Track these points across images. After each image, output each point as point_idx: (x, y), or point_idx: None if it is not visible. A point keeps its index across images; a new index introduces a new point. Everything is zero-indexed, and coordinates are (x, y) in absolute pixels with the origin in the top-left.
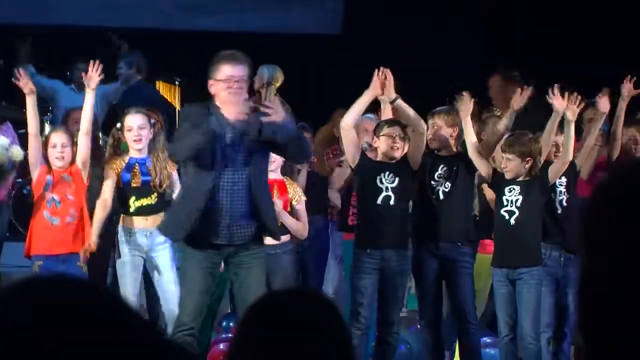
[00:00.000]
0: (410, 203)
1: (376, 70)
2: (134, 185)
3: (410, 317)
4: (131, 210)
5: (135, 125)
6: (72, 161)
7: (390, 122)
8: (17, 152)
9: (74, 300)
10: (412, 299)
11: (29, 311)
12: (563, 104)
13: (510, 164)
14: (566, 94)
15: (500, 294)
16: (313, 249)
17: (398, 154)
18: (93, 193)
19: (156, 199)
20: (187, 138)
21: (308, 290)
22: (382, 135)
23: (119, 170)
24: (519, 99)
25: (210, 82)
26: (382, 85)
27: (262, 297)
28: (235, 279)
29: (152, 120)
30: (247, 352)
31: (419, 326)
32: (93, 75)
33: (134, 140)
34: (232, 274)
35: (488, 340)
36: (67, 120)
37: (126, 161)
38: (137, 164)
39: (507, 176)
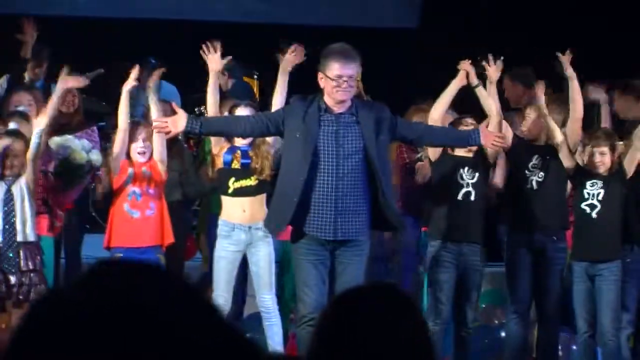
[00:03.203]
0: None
1: (461, 62)
2: (234, 167)
3: (492, 311)
4: (229, 191)
5: None
6: (152, 155)
7: (461, 118)
8: (96, 158)
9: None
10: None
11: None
12: None
13: (605, 158)
14: None
15: (579, 290)
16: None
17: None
18: (168, 186)
19: (256, 181)
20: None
21: (387, 285)
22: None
23: (221, 152)
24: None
25: (320, 75)
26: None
27: (344, 291)
28: (335, 273)
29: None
30: (326, 345)
31: (505, 320)
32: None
33: None
34: (334, 266)
35: (567, 336)
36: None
37: (229, 146)
38: (239, 150)
39: (601, 170)
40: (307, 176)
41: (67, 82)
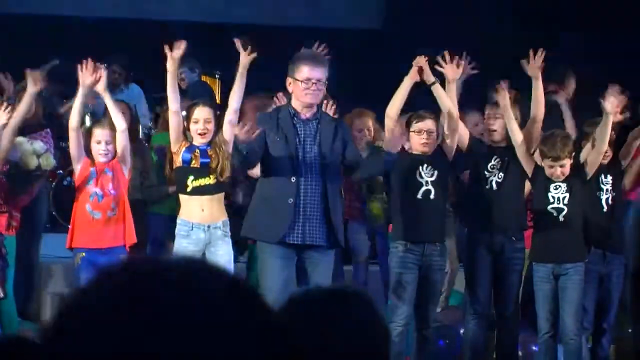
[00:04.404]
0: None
1: (416, 58)
2: (193, 165)
3: (452, 311)
4: (188, 189)
5: (202, 118)
6: (114, 156)
7: (419, 117)
8: (48, 162)
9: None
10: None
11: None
12: (614, 107)
13: (566, 169)
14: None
15: (542, 291)
16: None
17: (428, 149)
18: (129, 186)
19: (215, 179)
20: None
21: (347, 287)
22: (412, 131)
23: (180, 151)
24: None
25: (289, 80)
26: (420, 70)
27: (301, 292)
28: (305, 275)
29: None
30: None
31: (465, 321)
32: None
33: (199, 134)
34: (300, 268)
35: (527, 336)
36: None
37: (188, 145)
38: (198, 150)
39: (562, 178)
40: (298, 174)
41: (36, 84)
